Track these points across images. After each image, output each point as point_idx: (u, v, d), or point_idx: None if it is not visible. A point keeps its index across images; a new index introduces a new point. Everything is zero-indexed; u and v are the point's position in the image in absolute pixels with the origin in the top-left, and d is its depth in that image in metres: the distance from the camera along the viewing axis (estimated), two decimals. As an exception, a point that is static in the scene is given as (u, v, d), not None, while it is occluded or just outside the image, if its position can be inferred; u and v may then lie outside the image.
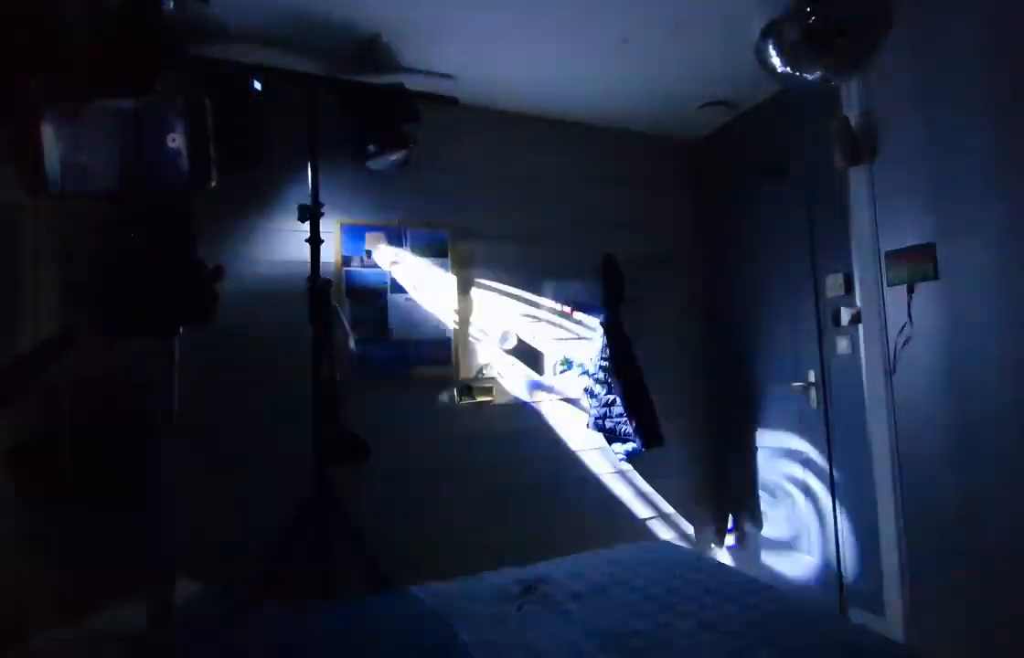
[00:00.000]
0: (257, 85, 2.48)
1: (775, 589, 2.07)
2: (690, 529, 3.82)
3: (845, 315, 2.94)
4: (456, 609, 1.99)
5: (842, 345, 3.03)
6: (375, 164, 2.93)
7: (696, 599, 2.00)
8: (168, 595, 0.97)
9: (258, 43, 2.71)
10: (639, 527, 3.53)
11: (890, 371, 2.70)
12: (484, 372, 3.37)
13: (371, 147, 2.87)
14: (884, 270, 2.72)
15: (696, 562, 2.34)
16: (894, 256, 2.68)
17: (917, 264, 2.57)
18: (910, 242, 2.61)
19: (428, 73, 3.02)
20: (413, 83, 2.97)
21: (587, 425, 3.61)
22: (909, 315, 2.59)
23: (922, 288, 2.56)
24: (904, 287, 2.61)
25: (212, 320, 0.90)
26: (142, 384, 2.16)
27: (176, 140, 0.86)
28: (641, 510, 3.68)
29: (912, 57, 2.59)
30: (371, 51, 2.81)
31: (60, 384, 2.07)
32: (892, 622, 2.69)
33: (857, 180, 2.87)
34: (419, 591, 2.19)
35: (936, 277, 2.50)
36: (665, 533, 3.59)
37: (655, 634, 1.77)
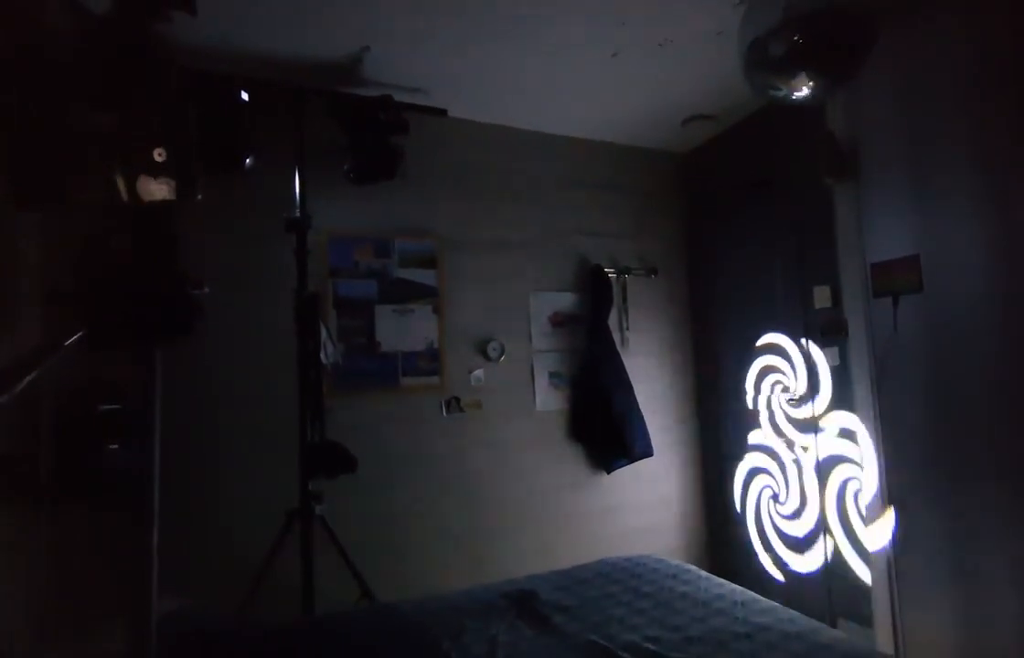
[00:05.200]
0: (244, 95, 2.48)
1: (762, 601, 2.07)
2: (679, 541, 3.82)
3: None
4: (443, 623, 1.97)
5: (830, 356, 3.06)
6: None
7: (684, 612, 2.00)
8: (148, 614, 0.95)
9: (246, 54, 2.71)
10: (627, 539, 3.52)
11: (876, 380, 2.73)
12: (472, 383, 3.36)
13: (360, 171, 2.87)
14: (870, 282, 2.75)
15: (684, 574, 2.34)
16: (880, 268, 2.71)
17: (902, 276, 2.60)
18: (895, 254, 2.64)
19: (416, 93, 3.03)
20: (401, 95, 2.98)
21: (575, 436, 3.61)
22: (895, 325, 2.62)
23: (907, 299, 2.59)
24: (890, 298, 2.64)
25: (194, 333, 0.89)
26: (126, 395, 2.14)
27: (162, 155, 0.85)
28: (629, 522, 3.67)
29: (896, 74, 2.63)
30: (361, 63, 2.82)
31: (41, 393, 2.03)
32: (881, 634, 2.70)
33: (842, 194, 2.91)
34: (405, 605, 2.17)
35: (921, 288, 2.53)
36: (653, 546, 3.57)
37: (643, 648, 1.76)
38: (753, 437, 3.58)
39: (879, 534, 2.71)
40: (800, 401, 3.25)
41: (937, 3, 2.48)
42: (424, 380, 3.25)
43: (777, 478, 3.41)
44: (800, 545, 3.26)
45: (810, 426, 3.17)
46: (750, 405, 3.59)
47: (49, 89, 1.41)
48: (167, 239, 0.98)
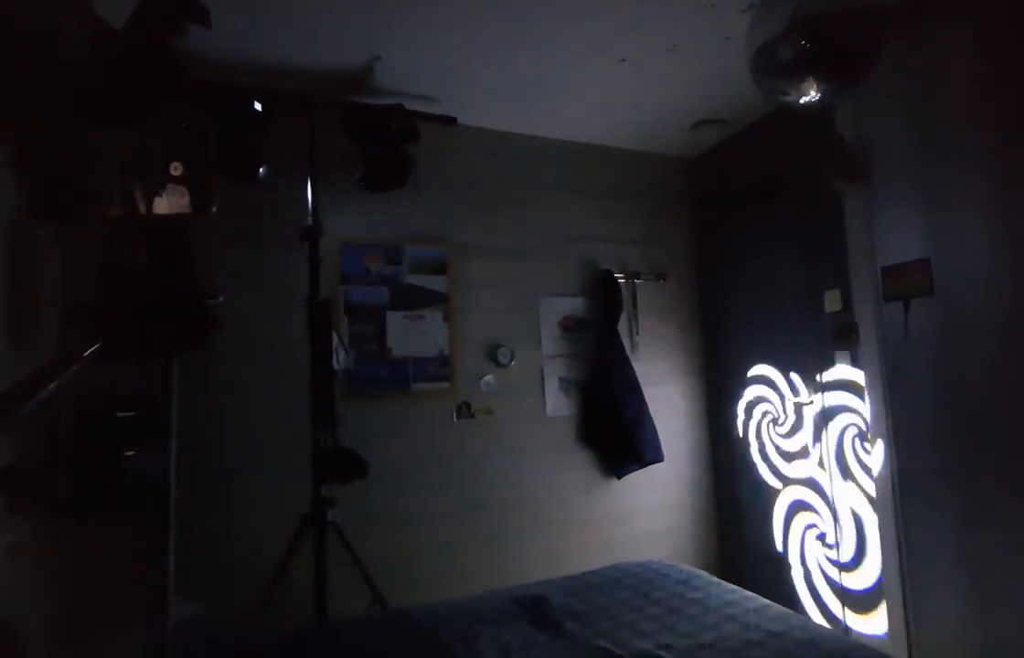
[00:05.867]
0: (257, 106, 2.52)
1: (775, 607, 2.06)
2: (690, 546, 3.80)
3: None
4: (455, 629, 1.98)
5: (842, 360, 3.04)
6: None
7: (696, 618, 1.99)
8: (165, 618, 0.97)
9: (258, 64, 2.74)
10: (638, 544, 3.51)
11: (888, 384, 2.71)
12: (482, 388, 3.37)
13: (371, 179, 2.89)
14: (881, 285, 2.73)
15: (695, 580, 2.33)
16: (890, 271, 2.69)
17: (913, 279, 2.58)
18: (906, 257, 2.62)
19: (427, 101, 3.06)
20: (412, 104, 3.01)
21: (586, 441, 3.60)
22: (906, 329, 2.60)
23: (918, 302, 2.57)
24: (901, 302, 2.62)
25: (209, 342, 0.90)
26: (141, 402, 2.17)
27: (178, 168, 0.88)
28: (640, 527, 3.66)
29: (905, 77, 2.62)
30: (372, 72, 2.85)
31: (58, 401, 2.07)
32: (894, 638, 2.68)
33: (852, 197, 2.90)
34: (417, 610, 2.18)
35: (932, 291, 2.52)
36: (664, 551, 3.57)
37: (655, 654, 1.76)
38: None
39: (889, 538, 2.69)
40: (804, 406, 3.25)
41: (946, 6, 2.47)
42: (435, 386, 3.27)
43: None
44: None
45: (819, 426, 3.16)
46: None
47: (67, 103, 1.44)
48: (182, 250, 1.00)
